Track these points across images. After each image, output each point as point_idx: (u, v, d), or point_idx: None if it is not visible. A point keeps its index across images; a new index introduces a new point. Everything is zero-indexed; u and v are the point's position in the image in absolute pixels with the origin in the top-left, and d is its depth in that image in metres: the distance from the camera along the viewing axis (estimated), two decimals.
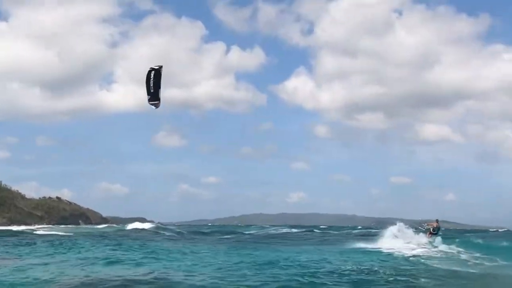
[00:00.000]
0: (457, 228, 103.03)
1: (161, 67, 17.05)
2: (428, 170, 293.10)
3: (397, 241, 36.40)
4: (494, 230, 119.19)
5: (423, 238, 37.65)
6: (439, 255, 29.15)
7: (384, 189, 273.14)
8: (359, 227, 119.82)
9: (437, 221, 39.64)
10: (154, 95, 17.19)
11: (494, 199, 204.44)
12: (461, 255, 29.10)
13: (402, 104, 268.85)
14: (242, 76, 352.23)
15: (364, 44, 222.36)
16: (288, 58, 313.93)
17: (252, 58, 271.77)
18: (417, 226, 41.62)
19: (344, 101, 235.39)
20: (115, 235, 55.42)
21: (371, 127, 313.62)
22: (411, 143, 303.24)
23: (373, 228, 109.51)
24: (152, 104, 17.44)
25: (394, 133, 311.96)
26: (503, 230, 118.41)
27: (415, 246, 33.80)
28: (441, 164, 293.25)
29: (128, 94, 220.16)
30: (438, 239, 36.77)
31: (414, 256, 27.58)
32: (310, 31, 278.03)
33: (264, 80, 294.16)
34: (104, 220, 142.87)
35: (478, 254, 28.65)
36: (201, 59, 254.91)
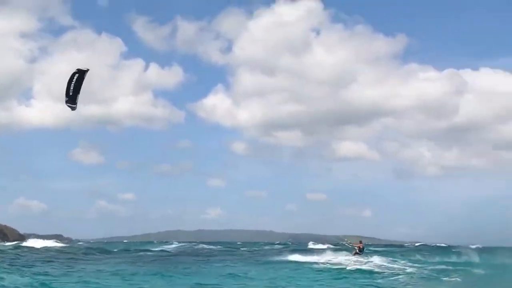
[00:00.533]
0: (374, 243, 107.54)
1: (87, 70, 17.49)
2: (345, 187, 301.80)
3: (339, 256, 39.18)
4: (410, 244, 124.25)
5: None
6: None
7: (300, 205, 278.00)
8: (277, 242, 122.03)
9: (360, 242, 40.82)
10: (72, 98, 17.68)
11: (409, 215, 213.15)
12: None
13: (320, 122, 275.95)
14: (160, 94, 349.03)
15: (283, 63, 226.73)
16: (207, 76, 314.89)
17: (170, 76, 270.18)
18: (340, 242, 43.42)
19: (262, 119, 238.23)
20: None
21: (288, 144, 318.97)
22: (328, 160, 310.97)
23: (290, 243, 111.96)
24: (68, 106, 17.93)
25: (311, 151, 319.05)
26: (418, 244, 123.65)
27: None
28: (358, 180, 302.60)
29: (47, 110, 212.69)
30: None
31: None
32: (229, 49, 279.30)
33: (182, 97, 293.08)
34: (21, 237, 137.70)
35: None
36: (120, 75, 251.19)
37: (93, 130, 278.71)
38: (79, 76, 17.67)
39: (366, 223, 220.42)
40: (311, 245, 61.47)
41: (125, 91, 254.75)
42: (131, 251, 64.95)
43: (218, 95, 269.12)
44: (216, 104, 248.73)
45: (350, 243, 41.64)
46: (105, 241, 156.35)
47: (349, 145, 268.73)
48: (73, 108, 17.60)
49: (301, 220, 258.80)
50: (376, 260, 36.05)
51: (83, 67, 17.86)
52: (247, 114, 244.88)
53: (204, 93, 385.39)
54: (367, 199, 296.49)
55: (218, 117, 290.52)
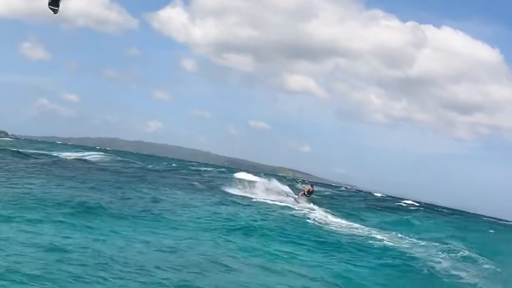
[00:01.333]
0: (309, 179, 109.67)
1: None
2: (288, 120, 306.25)
3: (270, 194, 38.60)
4: (345, 188, 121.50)
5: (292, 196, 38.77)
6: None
7: (241, 131, 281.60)
8: (211, 164, 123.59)
9: (312, 186, 40.35)
10: (55, 0, 18.13)
11: (348, 157, 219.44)
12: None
13: (274, 51, 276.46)
14: None
15: None
16: None
17: None
18: (294, 179, 44.07)
19: (216, 39, 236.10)
20: None
21: (238, 68, 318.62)
22: (275, 91, 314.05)
23: (225, 167, 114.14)
24: (51, 9, 18.37)
25: (260, 78, 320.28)
26: (352, 188, 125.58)
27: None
28: (302, 115, 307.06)
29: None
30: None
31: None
32: None
33: (138, 5, 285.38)
34: None
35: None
36: None
37: (44, 25, 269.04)
38: None
39: (304, 158, 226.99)
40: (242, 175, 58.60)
41: None
42: (48, 156, 54.37)
43: (175, 8, 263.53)
44: (171, 17, 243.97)
45: (302, 185, 41.00)
46: (40, 139, 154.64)
47: (299, 79, 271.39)
48: (55, 11, 17.94)
49: (240, 146, 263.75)
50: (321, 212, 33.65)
51: None
52: (201, 32, 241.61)
53: (162, 4, 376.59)
54: (309, 135, 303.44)
55: (171, 30, 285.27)
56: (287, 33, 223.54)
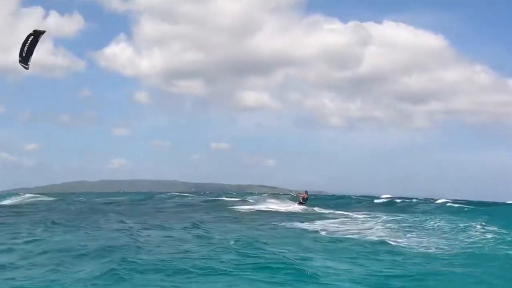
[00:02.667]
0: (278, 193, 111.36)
1: (43, 32, 19.30)
2: (248, 136, 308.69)
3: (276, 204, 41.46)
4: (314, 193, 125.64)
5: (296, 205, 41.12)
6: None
7: (204, 154, 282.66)
8: (176, 192, 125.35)
9: (306, 192, 42.62)
10: (25, 59, 21.70)
11: (312, 164, 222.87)
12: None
13: (222, 71, 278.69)
14: (60, 42, 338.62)
15: (184, 10, 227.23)
16: (108, 24, 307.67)
17: (71, 24, 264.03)
18: (289, 193, 47.27)
19: (164, 67, 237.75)
20: None
21: (191, 93, 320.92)
22: (231, 110, 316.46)
23: (192, 193, 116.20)
24: (22, 66, 22.08)
25: (214, 100, 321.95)
26: (320, 193, 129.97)
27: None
28: (261, 130, 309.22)
29: None
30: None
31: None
32: None
33: (83, 46, 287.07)
34: None
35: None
36: (19, 23, 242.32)
37: None
38: (34, 38, 19.41)
39: (270, 172, 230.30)
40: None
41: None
42: None
43: (120, 44, 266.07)
44: (117, 53, 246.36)
45: (296, 193, 43.92)
46: (8, 192, 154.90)
47: (252, 95, 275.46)
48: (26, 68, 20.73)
49: (205, 170, 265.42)
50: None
51: (39, 28, 19.62)
52: (149, 63, 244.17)
53: (106, 42, 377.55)
54: (271, 149, 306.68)
55: (119, 66, 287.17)
56: (233, 51, 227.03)
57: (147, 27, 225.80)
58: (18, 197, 72.13)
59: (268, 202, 43.25)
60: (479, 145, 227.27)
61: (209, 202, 57.21)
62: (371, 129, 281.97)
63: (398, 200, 59.10)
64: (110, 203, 55.24)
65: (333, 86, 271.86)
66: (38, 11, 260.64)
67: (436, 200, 60.90)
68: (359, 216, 33.21)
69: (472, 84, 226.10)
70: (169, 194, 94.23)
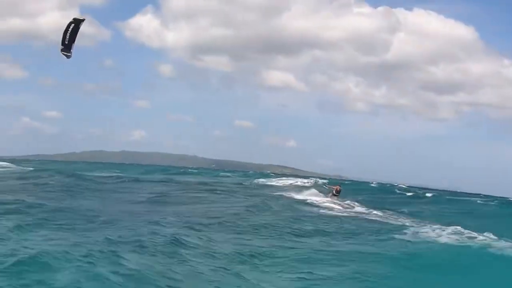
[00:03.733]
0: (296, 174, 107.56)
1: (82, 20, 19.25)
2: (271, 116, 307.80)
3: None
4: (333, 177, 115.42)
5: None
6: None
7: (226, 131, 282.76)
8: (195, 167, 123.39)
9: (339, 185, 39.88)
10: (67, 47, 20.39)
11: (332, 147, 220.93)
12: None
13: (249, 49, 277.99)
14: (87, 10, 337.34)
15: None
16: None
17: None
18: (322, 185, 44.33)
19: (190, 41, 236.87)
20: None
21: (216, 69, 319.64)
22: (256, 88, 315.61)
23: (212, 169, 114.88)
24: (63, 54, 20.72)
25: (239, 77, 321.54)
26: (340, 177, 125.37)
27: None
28: (284, 111, 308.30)
29: None
30: None
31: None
32: None
33: (110, 15, 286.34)
34: None
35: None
36: None
37: (16, 44, 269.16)
38: (75, 25, 19.36)
39: (290, 153, 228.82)
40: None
41: (51, 5, 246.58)
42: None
43: (146, 15, 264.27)
44: (143, 24, 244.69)
45: (328, 186, 41.31)
46: (28, 158, 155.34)
47: (278, 75, 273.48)
48: (68, 57, 20.00)
49: (225, 147, 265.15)
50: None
51: (79, 16, 19.71)
52: (175, 36, 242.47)
53: (132, 12, 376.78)
54: (293, 130, 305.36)
55: (145, 37, 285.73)
56: (261, 30, 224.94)
57: (175, 0, 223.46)
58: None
59: (308, 195, 40.33)
60: (503, 139, 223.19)
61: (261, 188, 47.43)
62: (394, 117, 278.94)
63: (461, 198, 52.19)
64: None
65: (359, 71, 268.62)
66: None
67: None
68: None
69: (499, 78, 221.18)
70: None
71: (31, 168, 57.67)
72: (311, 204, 32.52)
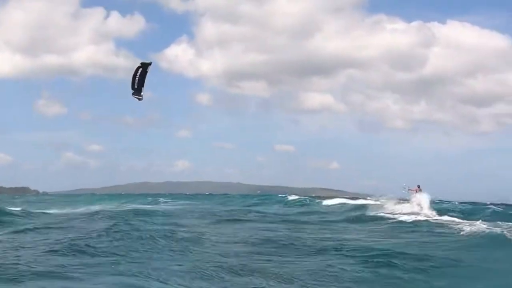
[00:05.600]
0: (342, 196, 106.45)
1: (149, 64, 19.17)
2: (312, 139, 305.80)
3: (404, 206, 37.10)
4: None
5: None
6: None
7: (268, 157, 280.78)
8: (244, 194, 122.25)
9: (418, 186, 39.29)
10: (138, 90, 19.48)
11: (375, 166, 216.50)
12: None
13: (284, 72, 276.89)
14: (121, 43, 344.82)
15: (245, 10, 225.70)
16: (169, 25, 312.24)
17: (132, 24, 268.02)
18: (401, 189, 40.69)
19: (226, 69, 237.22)
20: None
21: (253, 95, 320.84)
22: (294, 112, 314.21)
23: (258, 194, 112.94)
24: (135, 97, 19.76)
25: (277, 101, 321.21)
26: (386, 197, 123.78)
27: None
28: (324, 132, 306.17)
29: (4, 61, 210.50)
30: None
31: None
32: None
33: (144, 47, 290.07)
34: None
35: None
36: (79, 24, 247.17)
37: (53, 80, 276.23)
38: (143, 70, 19.18)
39: (333, 175, 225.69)
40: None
41: (86, 41, 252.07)
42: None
43: (181, 45, 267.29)
44: (178, 54, 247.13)
45: (408, 189, 39.44)
46: (68, 193, 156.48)
47: (315, 96, 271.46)
48: (140, 99, 19.45)
49: (268, 172, 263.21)
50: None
51: (146, 60, 19.45)
52: (210, 64, 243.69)
53: (167, 43, 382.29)
54: (334, 151, 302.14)
55: (181, 67, 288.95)
56: (294, 52, 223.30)
57: (208, 28, 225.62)
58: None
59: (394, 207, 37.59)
60: None
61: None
62: (435, 132, 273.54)
63: None
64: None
65: (396, 87, 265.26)
66: (99, 11, 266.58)
67: None
68: None
69: None
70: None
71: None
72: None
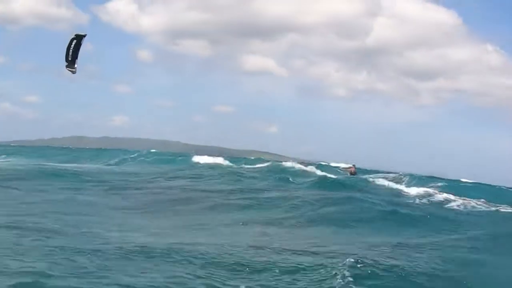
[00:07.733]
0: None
1: (84, 36, 19.62)
2: (251, 102, 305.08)
3: None
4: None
5: None
6: None
7: (206, 117, 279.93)
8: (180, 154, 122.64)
9: (354, 166, 37.34)
10: (71, 62, 21.28)
11: (314, 133, 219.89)
12: None
13: (226, 33, 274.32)
14: None
15: None
16: None
17: None
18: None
19: (167, 26, 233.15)
20: None
21: (194, 54, 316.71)
22: (235, 73, 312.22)
23: (192, 154, 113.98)
24: (69, 70, 21.66)
25: (217, 62, 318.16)
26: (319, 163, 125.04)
27: None
28: (264, 96, 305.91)
29: None
30: None
31: None
32: None
33: None
34: None
35: None
36: None
37: None
38: (77, 41, 19.85)
39: (272, 139, 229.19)
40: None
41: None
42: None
43: None
44: (120, 9, 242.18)
45: (342, 168, 38.52)
46: (7, 144, 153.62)
47: (257, 59, 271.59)
48: (73, 72, 20.80)
49: (207, 132, 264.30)
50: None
51: (81, 32, 19.99)
52: (152, 20, 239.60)
53: None
54: (273, 115, 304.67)
55: (122, 22, 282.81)
56: (238, 13, 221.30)
57: None
58: None
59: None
60: (485, 127, 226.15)
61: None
62: (375, 103, 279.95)
63: None
64: None
65: (339, 56, 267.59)
66: None
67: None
68: None
69: (481, 64, 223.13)
70: None
71: None
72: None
